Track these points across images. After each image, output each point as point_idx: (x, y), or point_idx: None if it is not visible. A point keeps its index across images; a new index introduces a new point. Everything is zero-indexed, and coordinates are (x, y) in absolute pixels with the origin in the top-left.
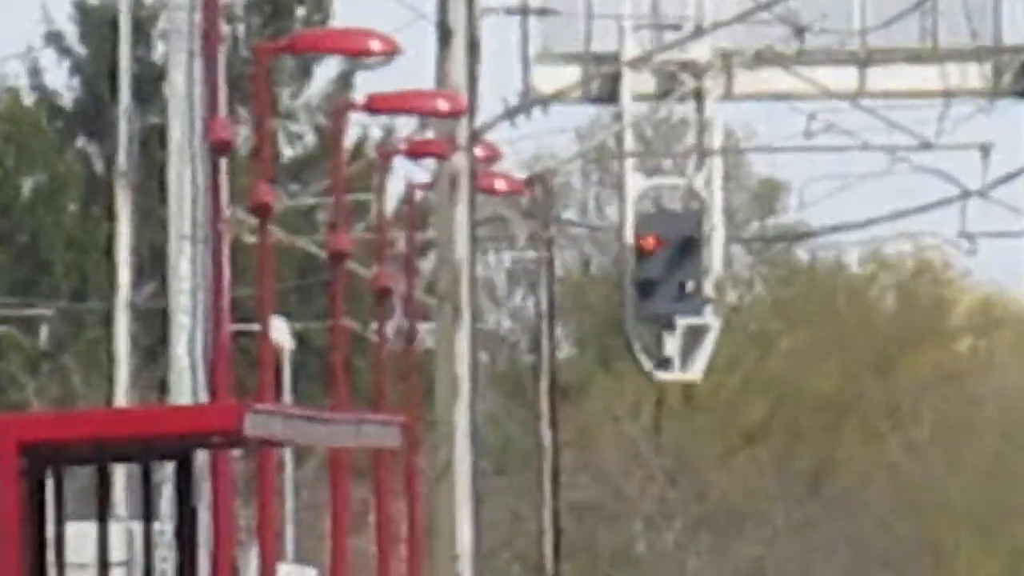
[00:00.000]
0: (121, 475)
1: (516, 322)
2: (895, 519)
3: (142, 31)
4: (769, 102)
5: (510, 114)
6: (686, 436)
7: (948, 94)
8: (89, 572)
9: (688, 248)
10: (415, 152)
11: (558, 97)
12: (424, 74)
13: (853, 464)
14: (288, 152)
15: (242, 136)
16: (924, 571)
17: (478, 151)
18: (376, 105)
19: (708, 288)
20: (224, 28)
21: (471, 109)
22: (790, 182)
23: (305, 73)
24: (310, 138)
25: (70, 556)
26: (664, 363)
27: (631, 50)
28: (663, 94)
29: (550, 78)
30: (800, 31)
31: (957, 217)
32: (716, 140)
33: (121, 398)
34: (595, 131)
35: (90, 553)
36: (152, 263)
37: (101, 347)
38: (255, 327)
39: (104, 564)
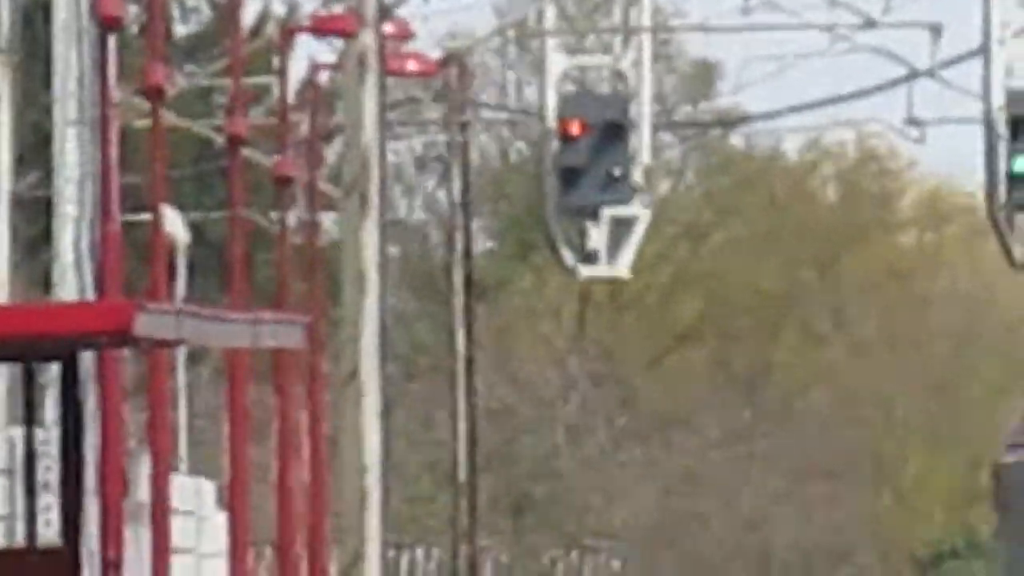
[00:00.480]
0: (1, 377)
1: (428, 213)
2: (837, 427)
3: None
4: None
5: None
6: (612, 337)
7: None
8: None
9: (614, 134)
10: (320, 29)
11: None
12: None
13: (792, 368)
14: (182, 29)
15: (132, 12)
16: (867, 483)
17: (388, 28)
18: None
19: (636, 177)
20: None
21: None
22: (724, 64)
23: None
24: (206, 13)
25: None
26: (588, 257)
27: None
28: None
29: None
30: None
31: (904, 102)
32: (644, 18)
33: (1, 294)
34: (514, 6)
35: None
36: (35, 150)
37: None
38: (146, 218)
39: None
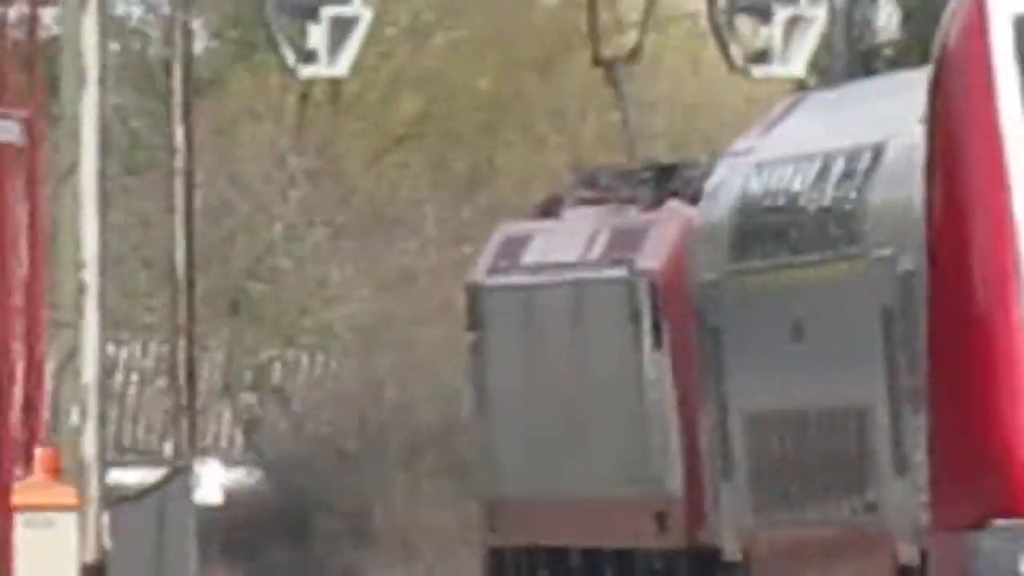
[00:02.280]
0: None
1: (148, 11)
2: None
3: None
4: None
5: None
6: (332, 136)
7: None
8: None
9: None
10: None
11: None
12: None
13: (511, 169)
14: None
15: None
16: None
17: None
18: None
19: None
20: None
21: None
22: None
23: None
24: None
25: None
26: (308, 57)
27: None
28: None
29: None
30: None
31: None
32: None
33: None
34: None
35: None
36: None
37: None
38: None
39: None
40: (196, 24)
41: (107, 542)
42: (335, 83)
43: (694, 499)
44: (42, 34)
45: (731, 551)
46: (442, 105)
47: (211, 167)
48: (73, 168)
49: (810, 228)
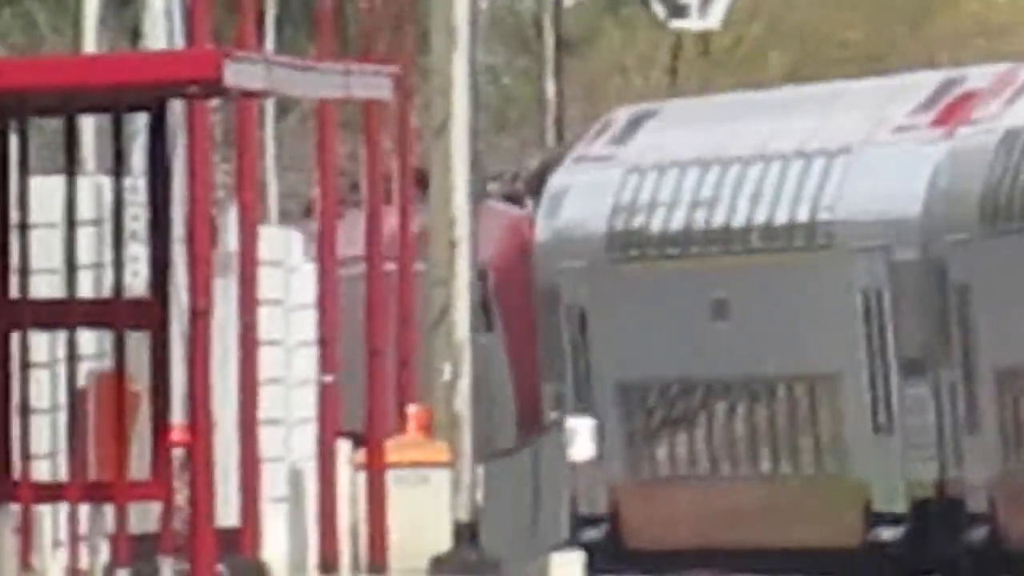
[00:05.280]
0: (90, 127)
1: None
2: None
3: None
4: None
5: None
6: (703, 90)
7: None
8: (56, 231)
9: None
10: None
11: None
12: None
13: None
14: None
15: None
16: None
17: None
18: None
19: None
20: None
21: None
22: None
23: None
24: None
25: (35, 214)
26: (680, 10)
27: None
28: None
29: None
30: None
31: None
32: None
33: (90, 44)
34: None
35: (57, 210)
36: None
37: None
38: None
39: (72, 222)
40: None
41: (480, 499)
42: (706, 37)
43: None
44: None
45: (594, 505)
46: (812, 59)
47: (581, 122)
48: (444, 125)
49: (736, 224)
